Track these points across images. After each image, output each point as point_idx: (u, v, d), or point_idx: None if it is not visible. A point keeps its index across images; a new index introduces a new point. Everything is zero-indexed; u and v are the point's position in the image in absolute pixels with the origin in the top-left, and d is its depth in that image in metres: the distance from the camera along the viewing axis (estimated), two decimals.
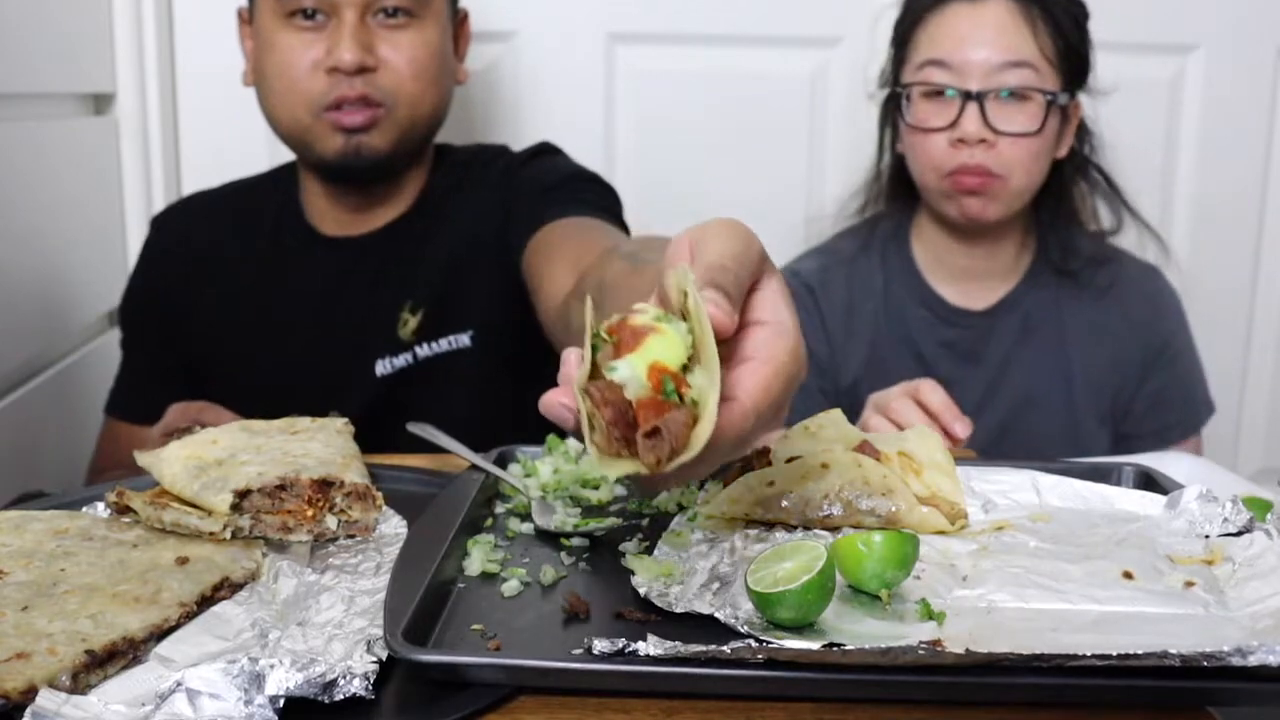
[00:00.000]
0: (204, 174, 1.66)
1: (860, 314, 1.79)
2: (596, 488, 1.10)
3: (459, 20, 1.66)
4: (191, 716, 0.69)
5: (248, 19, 1.63)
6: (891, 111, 1.78)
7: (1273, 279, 2.24)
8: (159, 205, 1.98)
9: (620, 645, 0.74)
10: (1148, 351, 1.78)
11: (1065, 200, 1.76)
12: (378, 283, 1.63)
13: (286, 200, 1.69)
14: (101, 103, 1.96)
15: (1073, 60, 1.67)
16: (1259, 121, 2.17)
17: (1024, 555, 0.92)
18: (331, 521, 0.98)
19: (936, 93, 1.65)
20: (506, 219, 1.58)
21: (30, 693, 0.70)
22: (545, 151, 1.72)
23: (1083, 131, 1.76)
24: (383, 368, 1.61)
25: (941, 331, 1.77)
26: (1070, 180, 1.77)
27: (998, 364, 1.75)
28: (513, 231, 1.55)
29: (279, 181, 1.72)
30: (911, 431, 1.11)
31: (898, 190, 1.82)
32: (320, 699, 0.71)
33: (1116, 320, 1.77)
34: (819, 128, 2.12)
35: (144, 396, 1.63)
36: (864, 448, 1.05)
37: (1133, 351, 1.78)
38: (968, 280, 1.77)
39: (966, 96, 1.62)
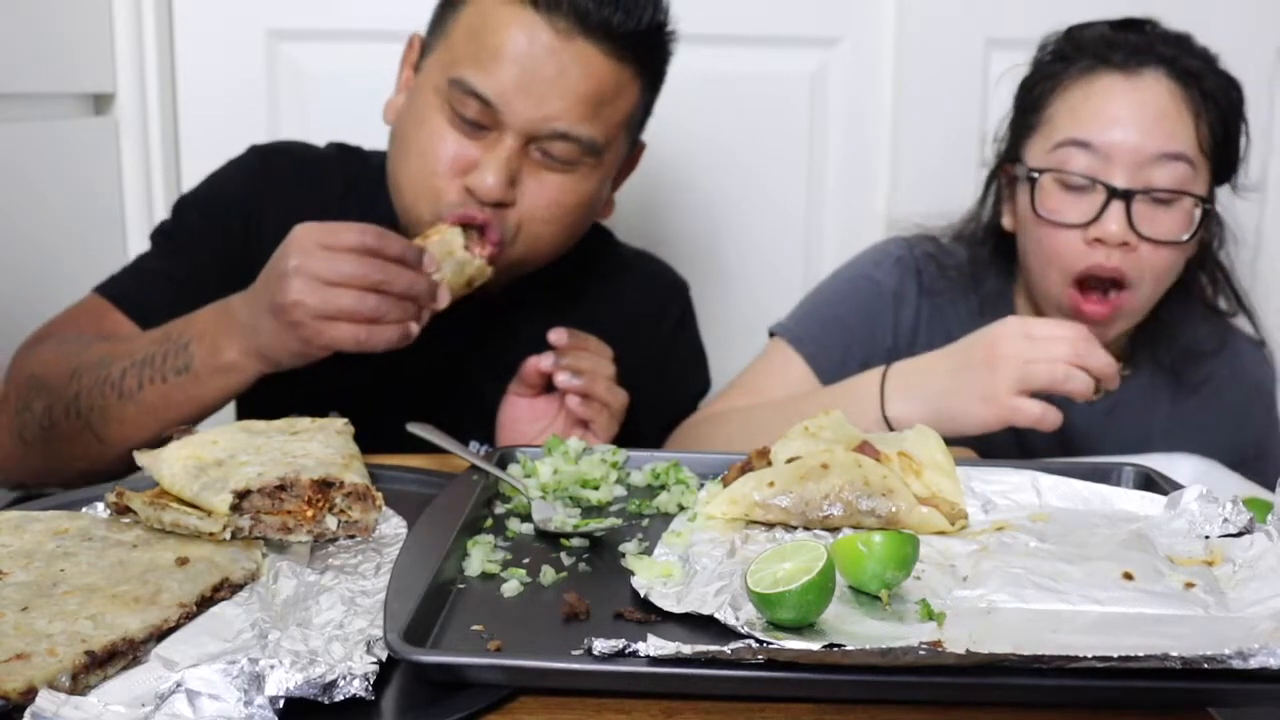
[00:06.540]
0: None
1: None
2: (596, 488, 1.10)
3: (634, 153, 1.54)
4: (191, 717, 0.69)
5: (418, 54, 1.48)
6: (1003, 180, 1.59)
7: (1272, 280, 2.24)
8: (159, 205, 1.98)
9: (620, 645, 0.74)
10: (1235, 454, 1.56)
11: (1179, 297, 1.59)
12: (467, 351, 1.53)
13: (380, 203, 1.52)
14: (101, 103, 1.96)
15: (1227, 152, 1.50)
16: (1259, 121, 2.17)
17: (1024, 556, 0.92)
18: (331, 522, 0.98)
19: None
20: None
21: (30, 693, 0.70)
22: (686, 331, 1.70)
23: (1211, 221, 1.55)
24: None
25: None
26: (1191, 277, 1.58)
27: (1080, 437, 1.62)
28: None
29: (380, 185, 1.52)
30: (912, 431, 1.11)
31: (999, 258, 1.64)
32: (320, 699, 0.71)
33: (1206, 417, 1.64)
34: (819, 128, 2.11)
35: (155, 300, 1.41)
36: (864, 448, 1.05)
37: (1221, 453, 1.58)
38: None
39: (1112, 194, 1.43)
